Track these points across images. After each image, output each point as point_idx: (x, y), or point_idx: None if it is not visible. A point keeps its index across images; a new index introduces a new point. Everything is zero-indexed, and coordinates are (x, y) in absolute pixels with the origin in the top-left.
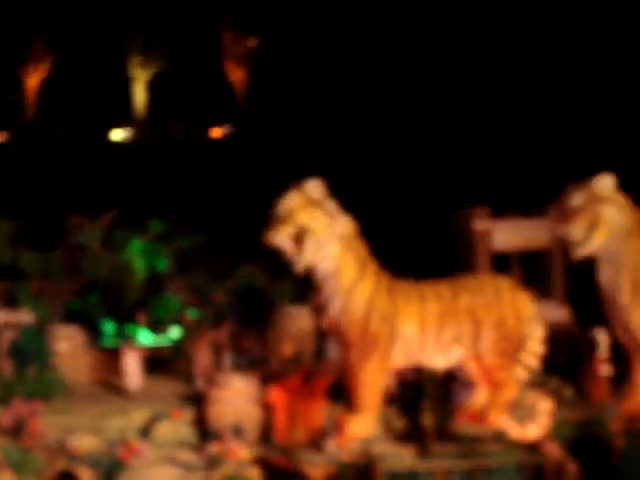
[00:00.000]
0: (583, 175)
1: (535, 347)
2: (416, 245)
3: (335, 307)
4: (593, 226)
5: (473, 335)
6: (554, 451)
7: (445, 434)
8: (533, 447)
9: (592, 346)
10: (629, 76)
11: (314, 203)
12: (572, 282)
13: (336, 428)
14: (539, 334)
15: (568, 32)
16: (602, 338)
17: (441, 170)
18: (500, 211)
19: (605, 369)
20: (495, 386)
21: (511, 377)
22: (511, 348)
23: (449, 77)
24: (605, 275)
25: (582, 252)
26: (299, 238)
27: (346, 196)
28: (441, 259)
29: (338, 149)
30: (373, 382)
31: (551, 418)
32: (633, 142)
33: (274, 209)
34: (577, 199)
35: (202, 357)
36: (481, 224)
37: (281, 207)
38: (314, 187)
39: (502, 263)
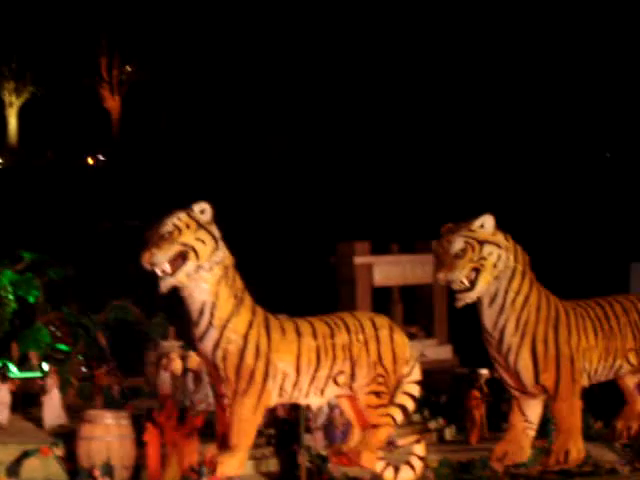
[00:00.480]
0: (462, 210)
1: (411, 389)
2: (295, 278)
3: (210, 341)
4: (476, 271)
5: (349, 374)
6: None
7: (321, 475)
8: None
9: (474, 385)
10: (504, 111)
11: (201, 226)
12: (454, 319)
13: (208, 467)
14: (416, 376)
15: (429, 79)
16: (484, 377)
17: (321, 204)
18: (381, 246)
19: (484, 408)
20: (369, 427)
21: (385, 418)
22: (387, 388)
23: (330, 108)
24: (489, 316)
25: (467, 300)
26: (178, 260)
27: (222, 227)
28: (321, 293)
29: (214, 180)
30: (248, 419)
31: (425, 462)
32: (508, 177)
33: (156, 228)
34: (457, 244)
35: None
36: (362, 258)
37: (165, 225)
38: (202, 210)
39: (383, 298)
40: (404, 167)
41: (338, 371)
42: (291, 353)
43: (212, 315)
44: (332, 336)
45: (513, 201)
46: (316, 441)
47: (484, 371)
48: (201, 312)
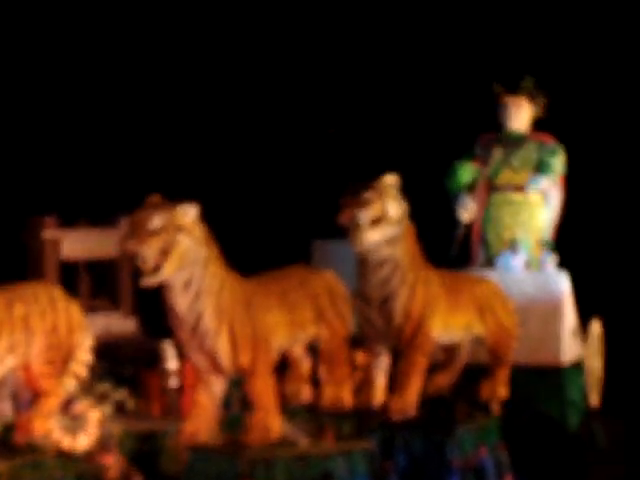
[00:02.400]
0: (153, 185)
1: (84, 356)
2: None
3: None
4: (165, 254)
5: (25, 344)
6: (116, 462)
7: (6, 445)
8: (91, 457)
9: (158, 358)
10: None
11: None
12: (140, 292)
13: None
14: (88, 343)
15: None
16: (169, 350)
17: (11, 176)
18: (70, 220)
19: (173, 382)
20: (40, 394)
21: (57, 386)
22: (60, 356)
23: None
24: (184, 302)
25: (151, 281)
26: None
27: None
28: (10, 267)
29: None
30: None
31: (101, 427)
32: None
33: None
34: (154, 222)
35: None
36: (50, 232)
37: None
38: None
39: (71, 272)
40: (90, 140)
41: (16, 342)
42: None
43: None
44: (10, 308)
45: (193, 171)
46: (4, 412)
47: (170, 344)
48: None
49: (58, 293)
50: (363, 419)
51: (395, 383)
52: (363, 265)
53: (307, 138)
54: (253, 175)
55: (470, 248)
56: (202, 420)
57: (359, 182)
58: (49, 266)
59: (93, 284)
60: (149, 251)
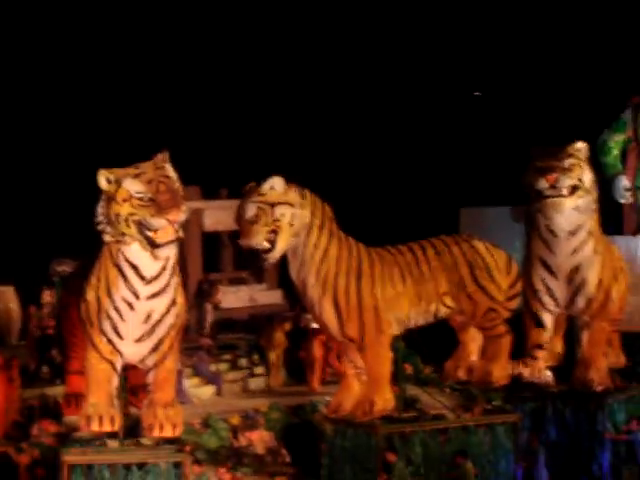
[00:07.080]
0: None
1: None
2: None
3: None
4: (275, 232)
5: None
6: (262, 438)
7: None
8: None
9: (306, 331)
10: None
11: None
12: (284, 265)
13: None
14: None
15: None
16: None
17: (150, 148)
18: (211, 191)
19: (318, 353)
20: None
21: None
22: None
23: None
24: (294, 269)
25: (271, 260)
26: None
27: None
28: None
29: None
30: None
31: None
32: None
33: None
34: (250, 211)
35: None
36: (192, 203)
37: None
38: None
39: (213, 243)
40: (232, 113)
41: None
42: None
43: None
44: None
45: (340, 145)
46: None
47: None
48: None
49: None
50: (514, 392)
51: (587, 355)
52: (549, 235)
53: (454, 108)
54: (403, 147)
55: (622, 215)
56: (345, 391)
57: (550, 147)
58: (191, 236)
59: (237, 255)
60: (257, 240)
